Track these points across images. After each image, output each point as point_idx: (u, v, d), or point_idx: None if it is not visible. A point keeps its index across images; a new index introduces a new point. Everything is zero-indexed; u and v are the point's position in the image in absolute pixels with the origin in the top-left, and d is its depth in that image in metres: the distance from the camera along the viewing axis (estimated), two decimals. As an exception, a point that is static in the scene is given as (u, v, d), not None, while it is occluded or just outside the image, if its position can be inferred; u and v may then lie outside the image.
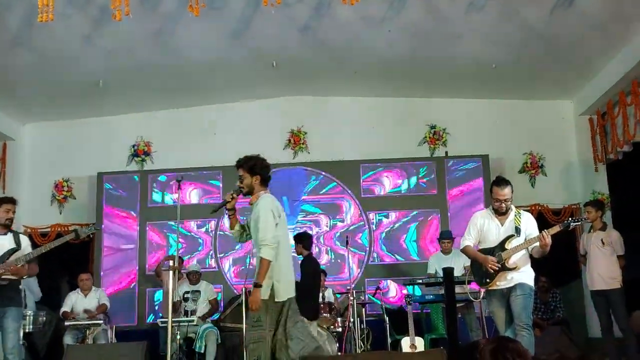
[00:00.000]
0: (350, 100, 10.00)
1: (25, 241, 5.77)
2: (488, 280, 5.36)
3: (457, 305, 6.40)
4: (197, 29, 7.50)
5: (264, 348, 4.58)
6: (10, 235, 5.69)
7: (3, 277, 5.49)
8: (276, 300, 4.70)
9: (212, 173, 9.68)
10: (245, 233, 5.00)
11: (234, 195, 4.87)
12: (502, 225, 5.43)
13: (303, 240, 7.29)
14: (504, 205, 5.36)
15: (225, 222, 8.57)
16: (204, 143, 9.88)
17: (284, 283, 4.78)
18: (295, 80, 9.45)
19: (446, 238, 8.12)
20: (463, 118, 9.87)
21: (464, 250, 5.58)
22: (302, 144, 9.99)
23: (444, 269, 6.45)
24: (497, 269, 5.25)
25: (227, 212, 4.94)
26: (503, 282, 5.33)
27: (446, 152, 9.80)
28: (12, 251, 5.56)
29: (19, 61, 7.95)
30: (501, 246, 5.35)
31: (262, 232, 4.64)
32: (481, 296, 5.59)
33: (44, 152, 10.11)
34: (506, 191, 5.34)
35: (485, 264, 5.29)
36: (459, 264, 7.26)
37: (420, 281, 7.38)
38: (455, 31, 7.79)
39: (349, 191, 9.56)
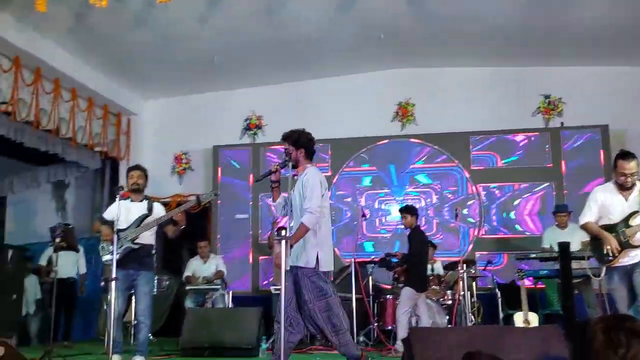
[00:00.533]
0: (459, 71, 9.79)
1: (157, 208, 6.08)
2: (610, 257, 5.14)
3: (574, 281, 6.19)
4: (305, 3, 7.61)
5: (339, 311, 4.58)
6: (144, 203, 6.01)
7: (136, 241, 5.84)
8: (321, 269, 4.64)
9: (321, 146, 9.83)
10: (287, 207, 4.80)
11: (278, 167, 4.83)
12: (626, 201, 5.18)
13: (412, 211, 7.29)
14: (629, 179, 5.10)
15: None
16: (313, 116, 10.01)
17: (326, 254, 4.74)
18: (403, 52, 9.37)
19: (562, 211, 7.82)
20: (580, 86, 9.39)
21: (585, 227, 5.37)
22: (410, 116, 9.93)
23: (560, 244, 6.21)
24: (616, 253, 5.04)
25: (271, 184, 4.86)
26: (626, 259, 5.09)
27: (562, 123, 9.40)
28: (144, 217, 5.90)
29: (140, 41, 8.43)
30: (625, 222, 5.11)
31: (308, 199, 4.60)
32: (602, 273, 5.35)
33: (164, 126, 10.71)
34: (632, 165, 5.07)
35: (609, 245, 5.06)
36: (576, 239, 6.98)
37: (534, 255, 7.18)
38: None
39: (459, 163, 9.42)
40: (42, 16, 6.42)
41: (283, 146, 4.81)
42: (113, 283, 5.29)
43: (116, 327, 5.57)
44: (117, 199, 5.65)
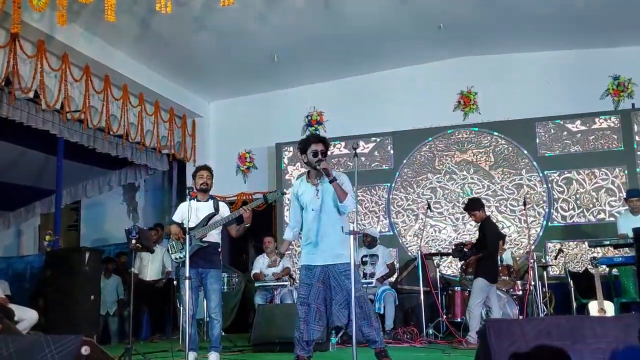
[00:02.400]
0: (521, 56, 9.59)
1: (223, 207, 6.23)
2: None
3: (652, 267, 6.00)
4: (363, -4, 7.60)
5: None
6: (210, 202, 6.16)
7: (204, 239, 5.99)
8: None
9: (383, 138, 9.82)
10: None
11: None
12: None
13: (477, 206, 7.15)
14: None
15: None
16: (373, 109, 10.04)
17: None
18: (462, 40, 9.23)
19: (634, 196, 7.54)
20: (651, 66, 9.05)
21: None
22: (473, 104, 9.78)
23: (635, 230, 6.06)
24: None
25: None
26: None
27: (633, 104, 9.07)
28: (211, 215, 6.04)
29: (203, 43, 8.64)
30: None
31: (352, 198, 4.85)
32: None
33: (227, 126, 10.96)
34: None
35: None
36: (652, 224, 6.78)
37: (608, 242, 6.98)
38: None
39: (525, 151, 9.22)
40: (110, 25, 6.63)
41: (321, 146, 4.87)
42: (187, 281, 5.45)
43: (191, 324, 5.74)
44: (187, 200, 5.81)
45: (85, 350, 3.13)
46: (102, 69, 8.41)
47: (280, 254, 5.24)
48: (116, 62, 8.54)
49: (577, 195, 8.97)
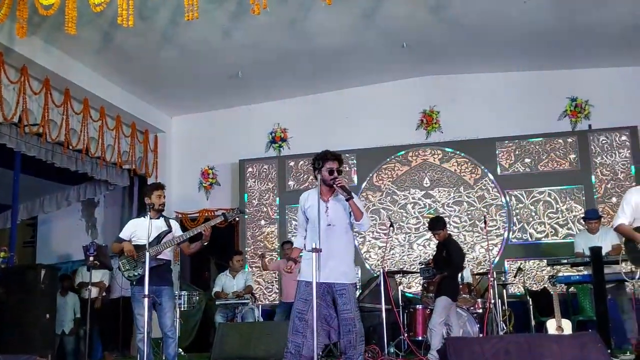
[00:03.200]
0: (483, 77, 9.76)
1: (175, 225, 6.17)
2: (645, 260, 5.05)
3: (607, 286, 6.10)
4: (328, 15, 7.64)
5: None
6: (162, 220, 6.08)
7: (158, 257, 5.89)
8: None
9: (346, 156, 9.84)
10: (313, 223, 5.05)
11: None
12: (660, 202, 5.10)
13: (441, 225, 7.20)
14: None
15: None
16: (337, 127, 10.06)
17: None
18: (426, 59, 9.36)
19: (592, 218, 7.63)
20: (607, 88, 9.28)
21: (618, 229, 5.30)
22: (435, 123, 9.89)
23: (592, 249, 6.16)
24: None
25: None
26: (661, 262, 5.01)
27: (589, 125, 9.30)
28: (164, 233, 5.96)
29: (166, 58, 8.56)
30: (659, 224, 5.03)
31: (367, 217, 4.99)
32: (637, 276, 5.26)
33: (190, 142, 10.84)
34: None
35: None
36: (607, 243, 6.93)
37: (565, 261, 7.08)
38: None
39: (486, 170, 9.36)
40: (70, 38, 6.52)
41: (337, 164, 4.87)
42: (145, 300, 5.34)
43: (148, 343, 5.63)
44: (148, 217, 5.73)
45: (37, 370, 3.03)
46: (62, 82, 8.27)
47: (293, 259, 5.20)
48: (77, 75, 8.40)
49: (536, 214, 9.12)
